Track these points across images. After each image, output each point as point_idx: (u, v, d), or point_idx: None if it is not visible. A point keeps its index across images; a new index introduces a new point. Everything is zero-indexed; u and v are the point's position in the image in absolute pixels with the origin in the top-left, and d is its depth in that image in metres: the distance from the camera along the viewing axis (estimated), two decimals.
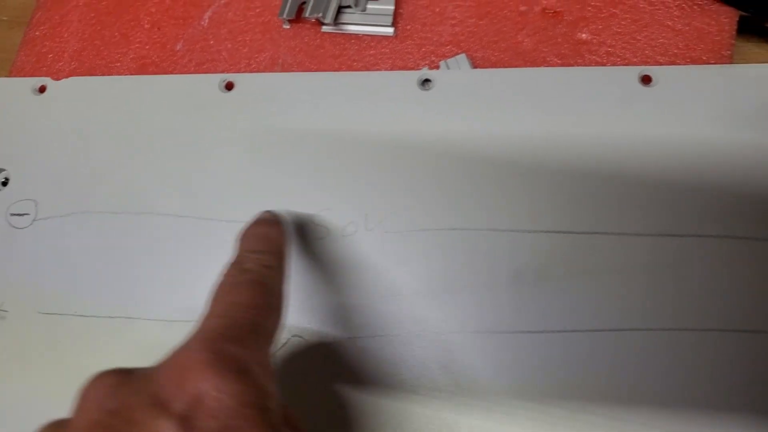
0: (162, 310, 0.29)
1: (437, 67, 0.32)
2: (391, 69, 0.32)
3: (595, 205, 0.27)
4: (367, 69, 0.32)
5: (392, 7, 0.32)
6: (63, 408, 0.19)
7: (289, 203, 0.29)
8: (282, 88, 0.31)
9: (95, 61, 0.36)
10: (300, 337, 0.28)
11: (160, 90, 0.32)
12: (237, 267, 0.22)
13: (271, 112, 0.31)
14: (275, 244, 0.24)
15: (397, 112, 0.30)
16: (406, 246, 0.28)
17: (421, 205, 0.28)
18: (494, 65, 0.31)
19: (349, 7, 0.32)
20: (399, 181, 0.29)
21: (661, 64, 0.30)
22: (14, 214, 0.32)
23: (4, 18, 0.41)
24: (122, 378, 0.18)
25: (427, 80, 0.30)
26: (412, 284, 0.28)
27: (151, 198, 0.31)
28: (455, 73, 0.30)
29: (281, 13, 0.33)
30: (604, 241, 0.27)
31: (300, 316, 0.28)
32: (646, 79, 0.28)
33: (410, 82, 0.30)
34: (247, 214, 0.26)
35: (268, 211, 0.27)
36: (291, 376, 0.28)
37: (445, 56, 0.32)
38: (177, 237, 0.30)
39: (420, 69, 0.31)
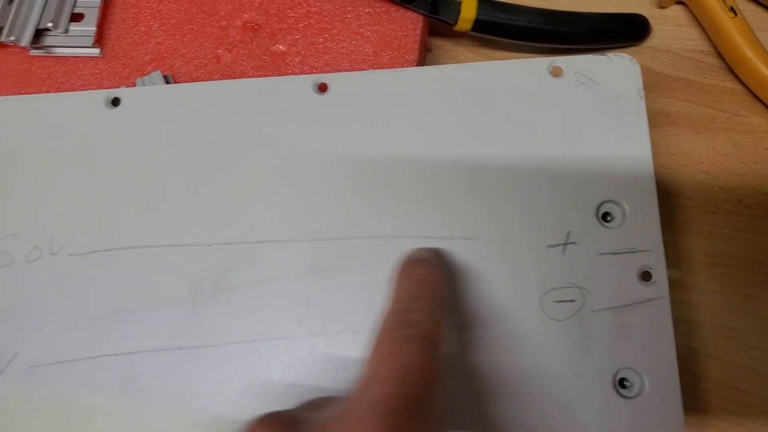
0: None
1: (134, 86, 0.31)
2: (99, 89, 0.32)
3: (267, 214, 0.27)
4: (73, 90, 0.32)
5: (94, 28, 0.32)
6: None
7: None
8: None
9: None
10: None
11: None
12: (401, 316, 0.20)
13: None
14: (441, 293, 0.22)
15: (84, 131, 0.29)
16: (89, 268, 0.28)
17: (105, 225, 0.28)
18: (195, 80, 0.31)
19: (49, 29, 0.32)
20: (85, 202, 0.28)
21: (349, 70, 0.31)
22: None
23: None
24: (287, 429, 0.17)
25: (116, 99, 0.29)
26: (95, 306, 0.27)
27: None
28: (143, 90, 0.30)
29: None
30: (276, 248, 0.27)
31: None
32: (322, 87, 0.29)
33: (98, 101, 0.29)
34: None
35: (427, 250, 0.25)
36: None
37: (147, 75, 0.32)
38: None
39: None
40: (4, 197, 0.29)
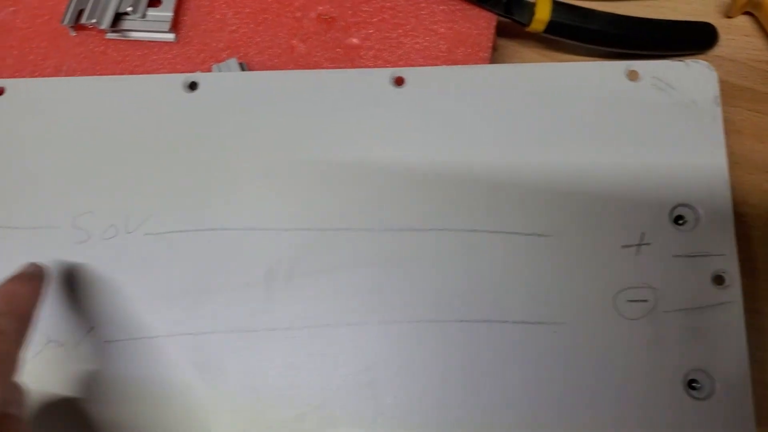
0: None
1: (210, 71, 0.32)
2: (171, 73, 0.32)
3: (344, 203, 0.28)
4: (147, 74, 0.33)
5: (171, 14, 0.33)
6: None
7: (48, 208, 0.29)
8: (49, 92, 0.31)
9: None
10: (57, 342, 0.28)
11: None
12: None
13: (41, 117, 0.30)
14: (21, 305, 0.24)
15: (161, 113, 0.30)
16: (164, 248, 0.28)
17: (181, 206, 0.28)
18: (269, 69, 0.32)
19: (128, 13, 0.33)
20: (160, 182, 0.29)
21: (423, 65, 0.31)
22: None
23: None
24: None
25: (193, 83, 0.30)
26: (169, 286, 0.28)
27: None
28: (220, 76, 0.30)
29: (63, 20, 0.33)
30: (351, 236, 0.27)
31: (59, 321, 0.28)
32: (398, 81, 0.29)
33: (176, 85, 0.30)
34: None
35: (32, 264, 0.27)
36: (48, 383, 0.27)
37: (223, 61, 0.32)
38: None
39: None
40: (80, 175, 0.29)
